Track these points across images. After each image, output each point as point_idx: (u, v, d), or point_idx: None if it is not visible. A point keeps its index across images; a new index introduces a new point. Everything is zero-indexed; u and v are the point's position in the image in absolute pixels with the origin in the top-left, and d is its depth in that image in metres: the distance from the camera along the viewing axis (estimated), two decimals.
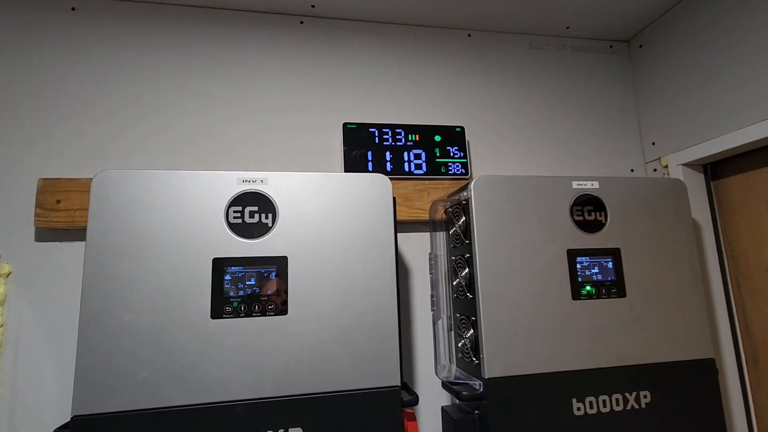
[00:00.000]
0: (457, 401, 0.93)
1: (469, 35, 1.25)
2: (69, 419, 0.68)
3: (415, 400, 0.81)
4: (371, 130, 1.08)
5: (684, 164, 1.15)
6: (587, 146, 1.26)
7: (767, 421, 1.04)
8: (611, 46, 1.34)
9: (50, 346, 0.90)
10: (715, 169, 1.16)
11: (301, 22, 1.15)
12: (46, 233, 0.93)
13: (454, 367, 0.99)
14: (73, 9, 1.03)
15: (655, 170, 1.24)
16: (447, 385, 0.92)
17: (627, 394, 0.87)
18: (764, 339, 1.04)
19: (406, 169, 1.07)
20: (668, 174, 1.19)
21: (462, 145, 1.13)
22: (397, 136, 1.09)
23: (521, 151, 1.21)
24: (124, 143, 1.00)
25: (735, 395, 1.06)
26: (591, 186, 0.95)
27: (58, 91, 0.99)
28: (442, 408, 0.96)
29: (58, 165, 0.96)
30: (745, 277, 1.09)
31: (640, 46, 1.30)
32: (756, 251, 1.06)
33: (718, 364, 1.07)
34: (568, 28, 1.27)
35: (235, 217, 0.79)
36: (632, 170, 1.27)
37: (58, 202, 0.91)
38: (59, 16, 1.02)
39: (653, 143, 1.25)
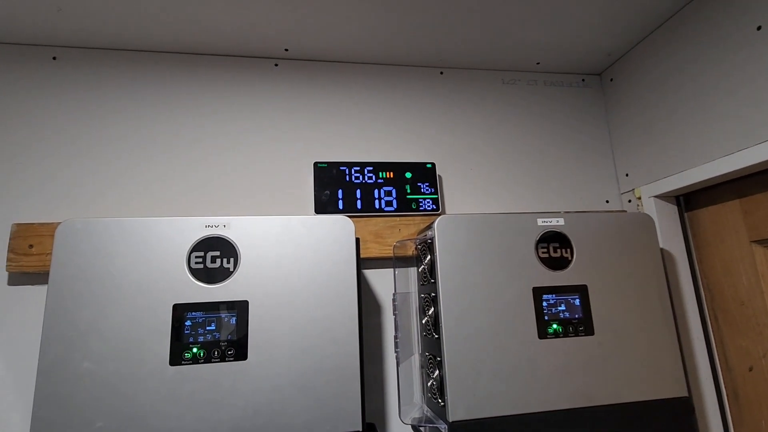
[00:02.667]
0: None
1: (441, 73, 1.28)
2: None
3: None
4: (342, 168, 1.10)
5: (656, 196, 1.16)
6: (562, 178, 1.27)
7: None
8: (583, 80, 1.36)
9: (19, 390, 0.90)
10: (688, 200, 1.17)
11: (276, 65, 1.19)
12: (18, 277, 0.94)
13: (425, 407, 0.97)
14: (54, 59, 1.07)
15: (629, 201, 1.24)
16: (415, 428, 0.91)
17: None
18: (743, 373, 1.02)
19: (377, 206, 1.09)
20: (641, 205, 1.19)
21: (433, 182, 1.14)
22: (368, 174, 1.10)
23: (495, 186, 1.22)
24: (97, 187, 1.03)
25: None
26: (556, 222, 0.95)
27: (34, 137, 1.02)
28: None
29: (32, 210, 0.98)
30: (721, 309, 1.08)
31: (611, 80, 1.32)
32: (730, 284, 1.05)
33: (698, 400, 1.05)
34: (538, 63, 1.29)
35: (196, 263, 0.80)
36: (607, 201, 1.27)
37: (31, 246, 0.93)
38: (41, 66, 1.06)
39: (627, 174, 1.26)
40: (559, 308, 0.91)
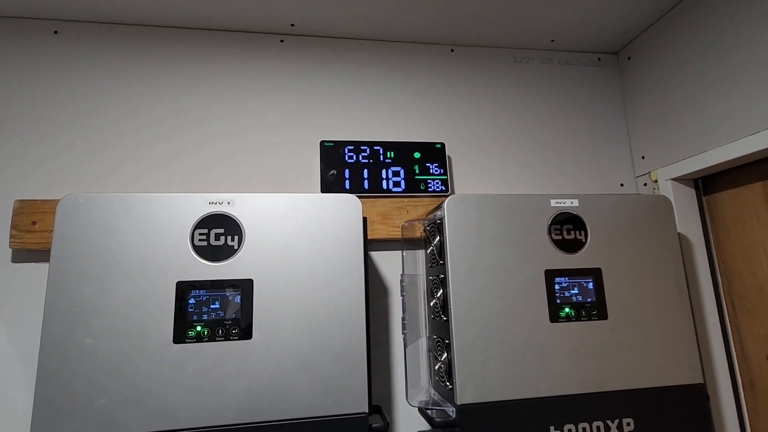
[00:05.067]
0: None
1: (452, 50, 1.24)
2: None
3: (385, 427, 0.79)
4: (349, 147, 1.07)
5: (674, 179, 1.12)
6: (575, 160, 1.23)
7: None
8: (599, 59, 1.31)
9: (23, 367, 0.90)
10: (706, 183, 1.13)
11: (282, 41, 1.15)
12: (21, 254, 0.93)
13: (432, 390, 0.96)
14: (55, 32, 1.05)
15: (645, 185, 1.20)
16: (422, 411, 0.89)
17: (609, 422, 0.84)
18: (760, 361, 0.99)
19: (384, 186, 1.06)
20: (658, 189, 1.15)
21: (443, 162, 1.11)
22: (376, 154, 1.08)
23: (506, 167, 1.19)
24: (100, 164, 1.01)
25: (730, 420, 1.01)
26: (570, 204, 0.92)
27: (36, 112, 1.00)
28: None
29: (35, 186, 0.96)
30: (739, 296, 1.04)
31: (629, 58, 1.27)
32: (749, 269, 1.01)
33: (713, 387, 1.02)
34: (553, 41, 1.25)
35: (200, 240, 0.78)
36: (622, 185, 1.23)
37: (34, 223, 0.91)
38: (42, 40, 1.04)
39: (643, 157, 1.22)
40: (572, 291, 0.88)
